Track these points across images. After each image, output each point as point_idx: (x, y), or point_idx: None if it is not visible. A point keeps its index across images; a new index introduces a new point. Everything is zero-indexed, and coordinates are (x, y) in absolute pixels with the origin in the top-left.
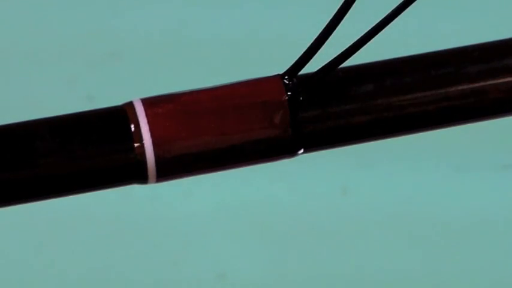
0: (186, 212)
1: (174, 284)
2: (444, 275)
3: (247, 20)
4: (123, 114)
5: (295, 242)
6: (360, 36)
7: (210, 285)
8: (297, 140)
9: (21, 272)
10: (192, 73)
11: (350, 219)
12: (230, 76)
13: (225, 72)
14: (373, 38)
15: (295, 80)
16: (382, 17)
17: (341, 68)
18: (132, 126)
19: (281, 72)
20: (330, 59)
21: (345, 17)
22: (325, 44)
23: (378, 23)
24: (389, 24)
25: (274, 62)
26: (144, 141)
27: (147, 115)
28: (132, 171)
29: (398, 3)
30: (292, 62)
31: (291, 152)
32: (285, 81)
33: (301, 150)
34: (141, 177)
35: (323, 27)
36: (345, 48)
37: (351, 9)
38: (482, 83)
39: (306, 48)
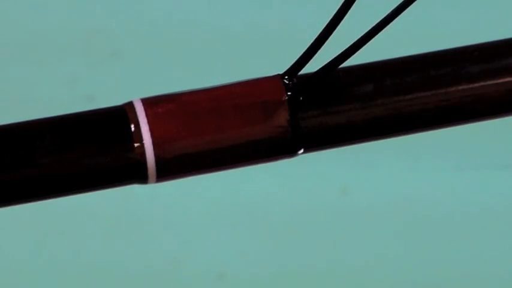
0: (186, 212)
1: (174, 283)
2: (444, 275)
3: (248, 19)
4: (123, 114)
5: (295, 241)
6: (360, 36)
7: (210, 285)
8: (297, 140)
9: (21, 271)
10: (192, 73)
11: (350, 219)
12: (231, 76)
13: (226, 72)
14: (373, 38)
15: (295, 80)
16: (382, 17)
17: (341, 68)
18: (132, 126)
19: (281, 72)
20: (330, 59)
21: (345, 17)
22: (325, 44)
23: (378, 23)
24: (390, 24)
25: (275, 62)
26: (144, 141)
27: (147, 115)
28: (132, 171)
29: (398, 3)
30: (292, 62)
31: (291, 152)
32: (285, 81)
33: (301, 150)
34: (141, 177)
35: (323, 27)
36: (345, 48)
37: (351, 9)
38: (482, 83)
39: (306, 48)
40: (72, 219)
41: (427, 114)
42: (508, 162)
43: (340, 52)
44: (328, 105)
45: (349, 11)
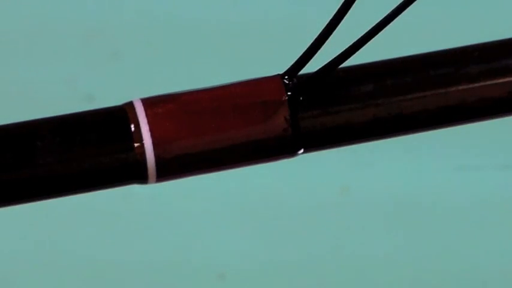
0: (186, 212)
1: (174, 283)
2: (444, 274)
3: (249, 19)
4: (123, 114)
5: (296, 241)
6: (360, 36)
7: (210, 285)
8: (297, 139)
9: (21, 271)
10: (192, 73)
11: (350, 219)
12: (231, 76)
13: (226, 72)
14: (373, 38)
15: (295, 79)
16: (382, 17)
17: (341, 68)
18: (132, 126)
19: (281, 71)
20: (330, 59)
21: (345, 17)
22: (325, 44)
23: (377, 23)
24: (390, 24)
25: (275, 62)
26: (144, 141)
27: (147, 115)
28: (132, 171)
29: (398, 3)
30: (292, 62)
31: (291, 152)
32: (285, 81)
33: (301, 150)
34: (141, 177)
35: (323, 27)
36: (345, 48)
37: (351, 9)
38: (482, 83)
39: (306, 48)
40: (72, 219)
41: (427, 114)
42: (508, 162)
43: (340, 52)
44: (328, 105)
45: (349, 11)
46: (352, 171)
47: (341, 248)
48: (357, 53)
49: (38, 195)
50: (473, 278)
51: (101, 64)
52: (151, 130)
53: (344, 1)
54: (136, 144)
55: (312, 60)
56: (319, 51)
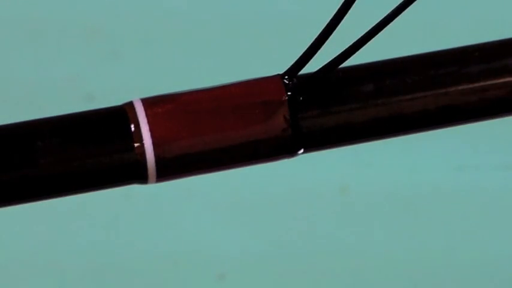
0: (186, 212)
1: (174, 283)
2: (444, 274)
3: (249, 19)
4: (123, 114)
5: (296, 241)
6: (360, 36)
7: (210, 285)
8: (297, 140)
9: (21, 271)
10: (192, 73)
11: (349, 218)
12: (231, 76)
13: (226, 72)
14: (373, 38)
15: (295, 79)
16: (382, 17)
17: (341, 68)
18: (132, 126)
19: (281, 71)
20: (330, 59)
21: (345, 17)
22: (325, 44)
23: (378, 23)
24: (390, 24)
25: (275, 61)
26: (144, 141)
27: (147, 115)
28: (132, 171)
29: (398, 3)
30: (292, 62)
31: (291, 152)
32: (285, 81)
33: (301, 150)
34: (141, 177)
35: (323, 27)
36: (345, 48)
37: (351, 9)
38: (482, 83)
39: (306, 48)
40: (72, 219)
41: (427, 114)
42: (508, 162)
43: (340, 52)
44: (328, 105)
45: (349, 11)
46: (352, 170)
47: (341, 247)
48: (357, 53)
49: (38, 195)
50: (473, 277)
51: (101, 64)
52: (151, 130)
53: (344, 1)
54: (136, 144)
55: (312, 60)
56: (319, 51)
